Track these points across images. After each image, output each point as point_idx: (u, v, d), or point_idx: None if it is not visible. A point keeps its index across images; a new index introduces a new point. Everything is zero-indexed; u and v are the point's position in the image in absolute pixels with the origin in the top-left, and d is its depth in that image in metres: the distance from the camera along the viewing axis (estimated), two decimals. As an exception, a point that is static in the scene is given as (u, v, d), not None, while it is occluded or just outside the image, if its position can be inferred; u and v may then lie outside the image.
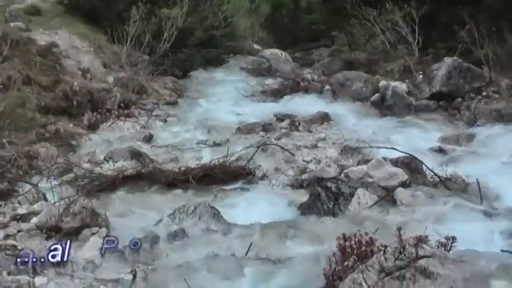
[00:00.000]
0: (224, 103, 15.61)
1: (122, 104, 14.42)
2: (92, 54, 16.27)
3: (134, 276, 6.31)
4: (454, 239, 5.84)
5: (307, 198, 8.83)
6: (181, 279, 6.09)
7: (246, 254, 6.72)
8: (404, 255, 5.31)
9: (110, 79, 15.26)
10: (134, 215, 8.55)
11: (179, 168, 10.24)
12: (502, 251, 6.17)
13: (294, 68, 20.13)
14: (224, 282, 6.23)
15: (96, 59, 16.12)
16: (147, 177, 10.06)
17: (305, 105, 14.57)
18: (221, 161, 10.33)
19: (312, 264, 6.29)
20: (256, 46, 24.03)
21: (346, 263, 5.66)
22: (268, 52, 22.08)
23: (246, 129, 13.07)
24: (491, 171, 9.74)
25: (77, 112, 13.26)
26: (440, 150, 11.41)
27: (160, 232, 7.36)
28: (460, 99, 14.05)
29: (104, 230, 7.52)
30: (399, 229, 5.60)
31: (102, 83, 14.97)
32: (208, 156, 11.11)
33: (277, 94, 16.23)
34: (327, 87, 15.88)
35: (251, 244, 6.82)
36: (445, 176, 9.26)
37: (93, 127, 13.06)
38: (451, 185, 9.08)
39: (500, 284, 5.03)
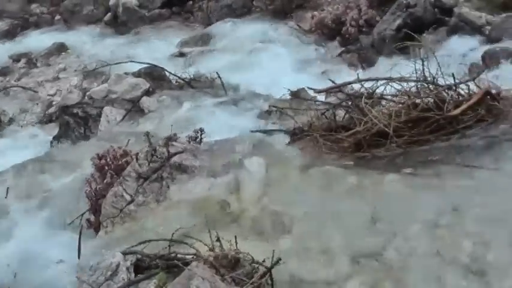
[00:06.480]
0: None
1: None
2: None
3: None
4: (202, 130, 6.05)
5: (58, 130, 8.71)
6: None
7: (6, 197, 6.55)
8: (157, 156, 5.46)
9: None
10: None
11: None
12: (251, 131, 6.52)
13: (21, 5, 19.21)
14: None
15: None
16: None
17: (38, 40, 14.05)
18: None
19: (74, 191, 6.26)
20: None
21: (105, 180, 5.71)
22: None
23: (-18, 78, 12.43)
24: (230, 64, 10.21)
25: None
26: (181, 54, 11.66)
27: None
28: (191, 2, 14.18)
29: None
30: (147, 133, 5.74)
31: None
32: None
33: (8, 35, 15.42)
34: (58, 17, 15.41)
35: (8, 188, 6.65)
36: (188, 77, 9.49)
37: None
38: (196, 84, 9.34)
39: (253, 161, 5.35)
